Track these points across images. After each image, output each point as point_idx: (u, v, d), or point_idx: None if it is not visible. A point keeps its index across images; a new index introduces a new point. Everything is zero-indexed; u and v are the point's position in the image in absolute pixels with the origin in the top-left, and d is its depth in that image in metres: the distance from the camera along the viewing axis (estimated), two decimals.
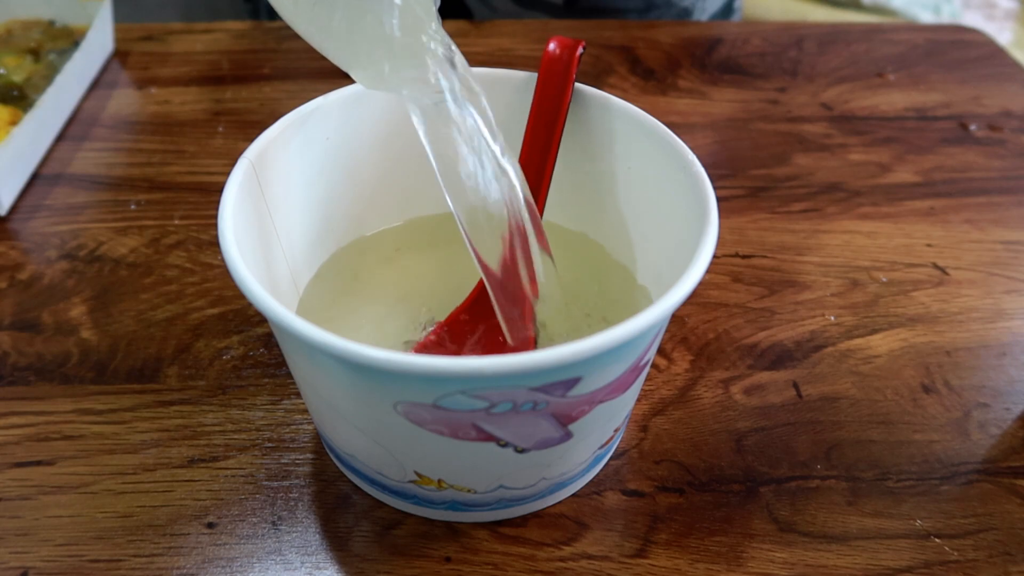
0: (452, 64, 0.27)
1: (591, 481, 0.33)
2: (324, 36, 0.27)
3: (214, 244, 0.44)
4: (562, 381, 0.24)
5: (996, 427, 0.36)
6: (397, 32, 0.26)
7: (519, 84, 0.34)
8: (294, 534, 0.31)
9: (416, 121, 0.28)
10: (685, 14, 0.72)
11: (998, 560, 0.31)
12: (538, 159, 0.33)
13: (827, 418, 0.36)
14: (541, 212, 0.32)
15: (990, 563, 0.31)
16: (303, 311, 0.32)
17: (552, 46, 0.33)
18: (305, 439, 0.34)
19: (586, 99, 0.33)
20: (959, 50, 0.64)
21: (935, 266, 0.44)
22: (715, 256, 0.26)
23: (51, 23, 0.58)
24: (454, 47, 0.28)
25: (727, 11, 0.75)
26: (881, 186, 0.50)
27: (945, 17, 1.31)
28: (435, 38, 0.27)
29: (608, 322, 0.31)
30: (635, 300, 0.33)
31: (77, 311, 0.40)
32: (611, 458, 0.34)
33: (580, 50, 0.33)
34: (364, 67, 0.28)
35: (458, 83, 0.27)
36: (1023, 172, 0.51)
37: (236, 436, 0.34)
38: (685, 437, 0.35)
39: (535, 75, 0.33)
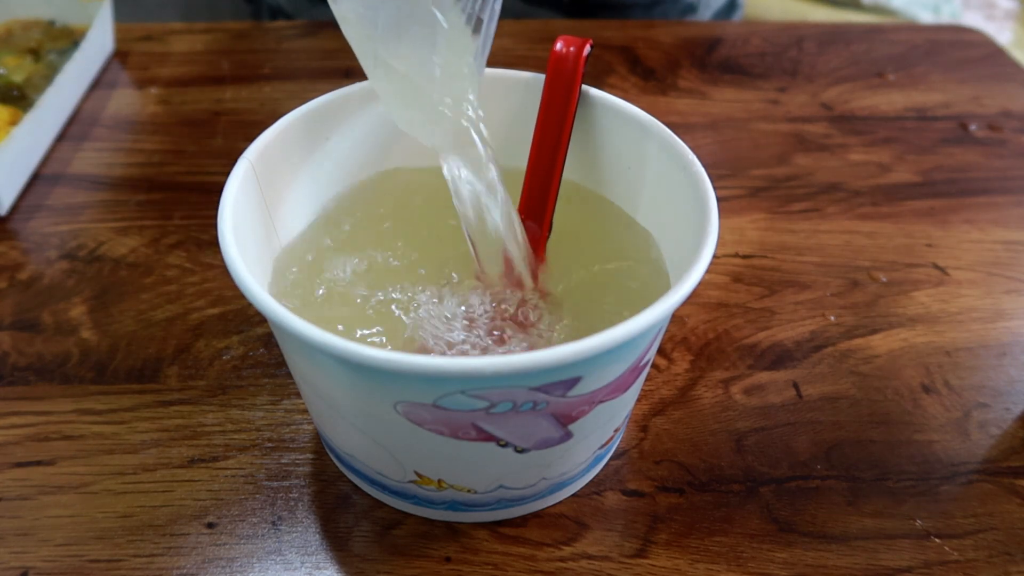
0: (476, 128, 0.30)
1: (591, 481, 0.33)
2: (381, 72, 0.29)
3: (214, 244, 0.44)
4: (562, 381, 0.24)
5: (996, 427, 0.36)
6: (441, 97, 0.29)
7: (527, 84, 0.34)
8: (294, 534, 0.31)
9: (447, 172, 0.30)
10: (690, 10, 0.71)
11: (998, 560, 0.31)
12: (547, 159, 0.33)
13: (827, 418, 0.36)
14: (551, 209, 0.33)
15: (990, 563, 0.31)
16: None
17: (559, 45, 0.33)
18: (305, 439, 0.34)
19: (587, 99, 0.33)
20: (959, 50, 0.64)
21: (935, 266, 0.44)
22: (715, 256, 0.26)
23: (51, 23, 0.58)
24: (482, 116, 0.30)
25: (730, 7, 0.75)
26: (881, 186, 0.50)
27: (945, 17, 1.31)
28: (471, 103, 0.30)
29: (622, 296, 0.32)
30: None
31: (77, 311, 0.40)
32: (611, 458, 0.34)
33: (588, 49, 0.33)
34: (403, 108, 0.29)
35: (480, 146, 0.30)
36: (1023, 172, 0.51)
37: (236, 436, 0.34)
38: (685, 437, 0.35)
39: (542, 76, 0.33)
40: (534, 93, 0.33)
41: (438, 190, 0.34)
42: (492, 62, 0.37)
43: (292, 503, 0.32)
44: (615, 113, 0.33)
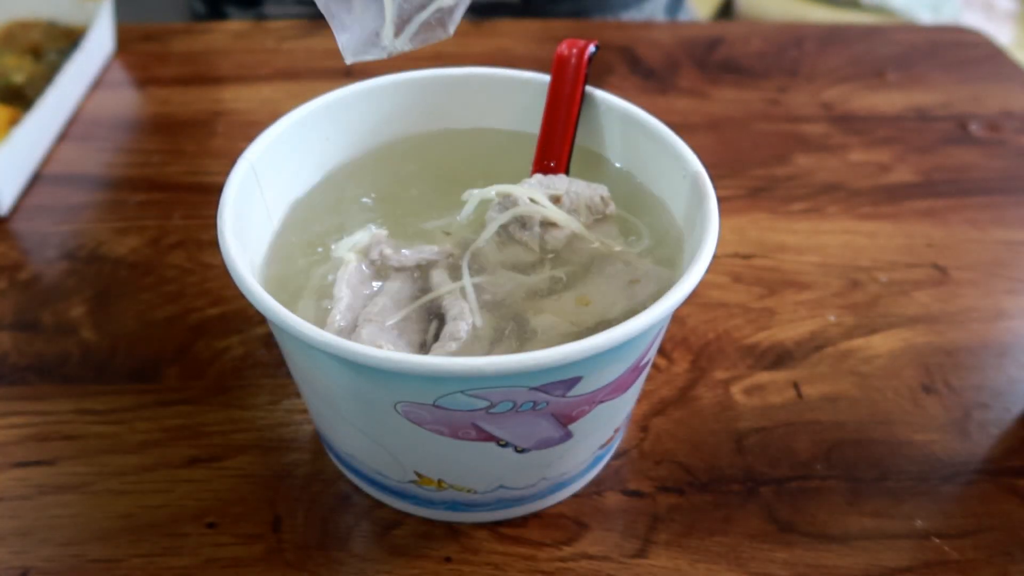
0: None
1: (591, 481, 0.33)
2: None
3: (214, 244, 0.43)
4: (562, 381, 0.24)
5: (996, 427, 0.36)
6: None
7: (531, 86, 0.34)
8: (294, 534, 0.31)
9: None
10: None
11: (998, 560, 0.31)
12: (552, 159, 0.33)
13: (827, 418, 0.36)
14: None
15: (990, 563, 0.31)
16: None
17: (563, 48, 0.33)
18: (305, 439, 0.34)
19: (587, 99, 0.33)
20: (959, 50, 0.64)
21: (935, 266, 0.44)
22: (715, 256, 0.26)
23: (51, 23, 0.58)
24: None
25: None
26: (881, 186, 0.50)
27: (945, 17, 1.31)
28: None
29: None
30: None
31: (77, 311, 0.40)
32: (611, 458, 0.34)
33: (591, 50, 0.33)
34: None
35: None
36: (1023, 172, 0.51)
37: (236, 436, 0.34)
38: (685, 437, 0.35)
39: (547, 78, 0.33)
40: (539, 94, 0.34)
41: (436, 178, 0.34)
42: (491, 62, 0.37)
43: (292, 503, 0.32)
44: (617, 114, 0.33)
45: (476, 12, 0.67)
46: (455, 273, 0.29)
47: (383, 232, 0.30)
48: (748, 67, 0.61)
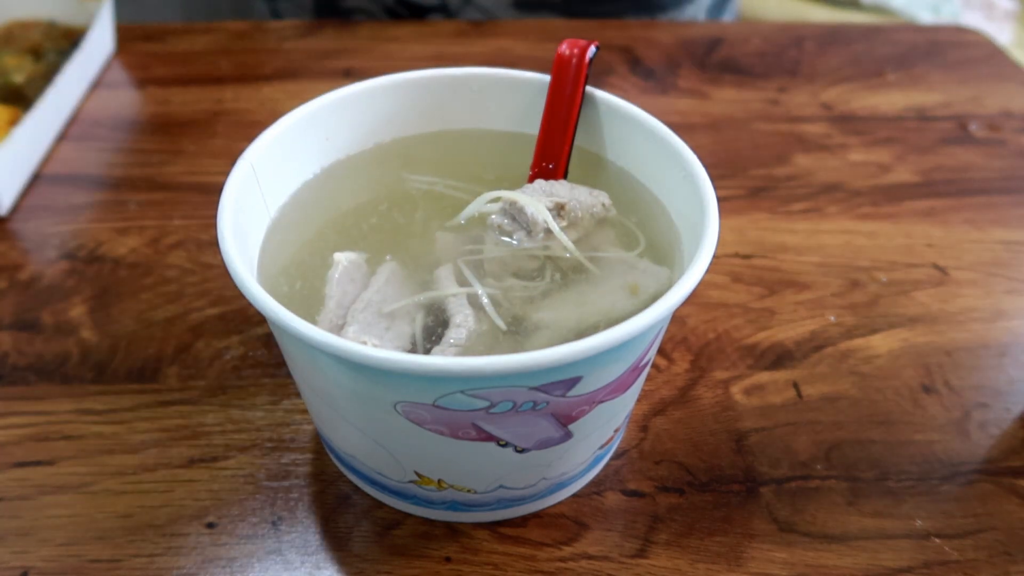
0: None
1: (591, 481, 0.33)
2: None
3: (214, 244, 0.44)
4: (562, 381, 0.24)
5: (996, 427, 0.36)
6: None
7: (531, 86, 0.34)
8: (294, 534, 0.31)
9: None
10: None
11: (998, 560, 0.31)
12: (551, 160, 0.33)
13: (827, 418, 0.36)
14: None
15: (990, 563, 0.31)
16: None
17: (564, 48, 0.33)
18: (305, 439, 0.34)
19: (587, 99, 0.33)
20: (959, 50, 0.64)
21: (935, 266, 0.44)
22: (715, 256, 0.26)
23: (51, 23, 0.58)
24: None
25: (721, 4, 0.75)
26: (881, 186, 0.50)
27: (945, 17, 1.31)
28: None
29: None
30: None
31: (77, 311, 0.40)
32: (611, 458, 0.34)
33: (592, 51, 0.33)
34: None
35: None
36: (1023, 172, 0.51)
37: (236, 436, 0.34)
38: (685, 437, 0.35)
39: (547, 78, 0.33)
40: (539, 95, 0.34)
41: (436, 179, 0.34)
42: (491, 62, 0.37)
43: (292, 503, 0.32)
44: (617, 114, 0.33)
45: (519, 8, 0.67)
46: (460, 274, 0.29)
47: (362, 256, 0.30)
48: (748, 67, 0.61)
